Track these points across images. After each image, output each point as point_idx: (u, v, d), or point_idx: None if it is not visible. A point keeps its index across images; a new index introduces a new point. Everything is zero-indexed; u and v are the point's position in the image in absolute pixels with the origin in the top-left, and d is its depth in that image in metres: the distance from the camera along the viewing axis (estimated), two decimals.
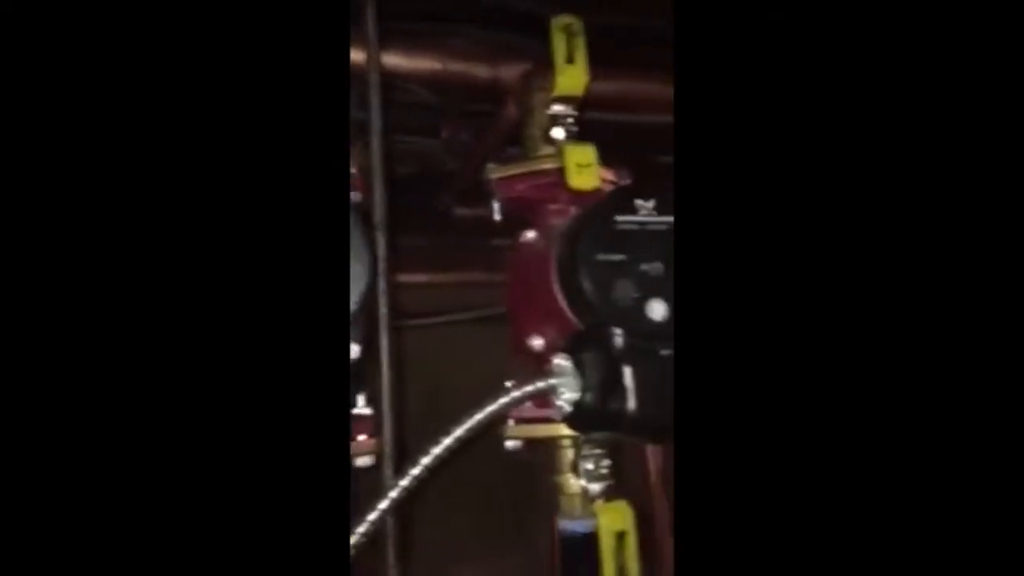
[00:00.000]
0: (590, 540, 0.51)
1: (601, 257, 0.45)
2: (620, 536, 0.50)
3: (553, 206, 0.57)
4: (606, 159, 0.63)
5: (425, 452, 0.45)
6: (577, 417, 0.47)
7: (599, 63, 0.79)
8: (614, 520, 0.50)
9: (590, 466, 0.52)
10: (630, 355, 0.44)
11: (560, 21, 0.60)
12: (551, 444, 0.54)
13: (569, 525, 0.52)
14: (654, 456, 1.02)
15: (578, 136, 0.62)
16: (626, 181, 0.79)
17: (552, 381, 0.48)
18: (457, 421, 0.46)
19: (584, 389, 0.46)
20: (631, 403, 0.44)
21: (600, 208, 0.47)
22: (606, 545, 0.50)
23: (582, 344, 0.47)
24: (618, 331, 0.45)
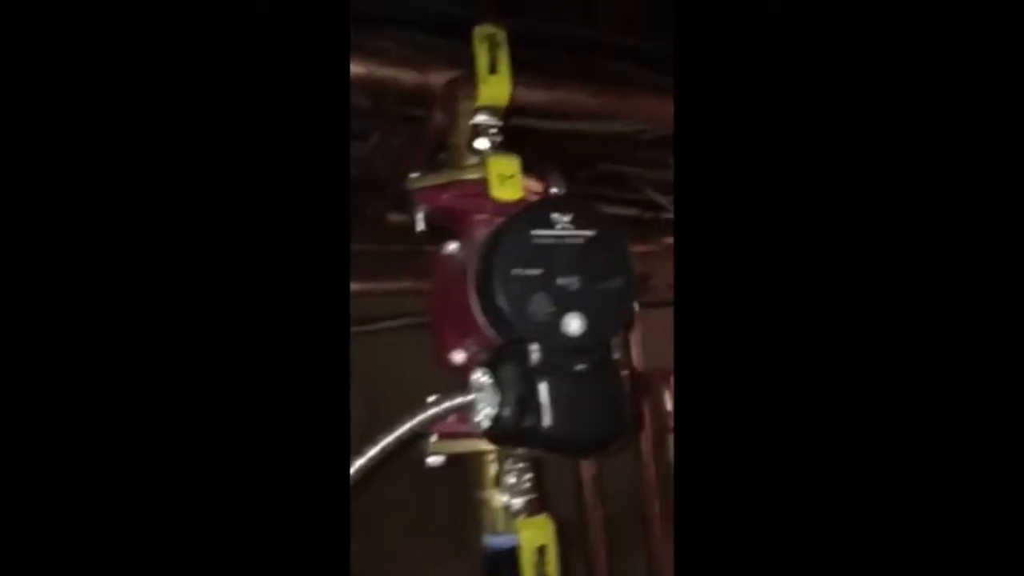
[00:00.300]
0: (513, 555, 0.50)
1: (517, 272, 0.45)
2: (541, 550, 0.50)
3: (478, 217, 0.57)
4: (542, 167, 0.63)
5: None
6: (496, 433, 0.46)
7: (534, 71, 0.79)
8: (535, 535, 0.50)
9: (512, 480, 0.52)
10: (545, 371, 0.44)
11: (483, 31, 0.59)
12: (475, 459, 0.54)
13: (493, 540, 0.52)
14: (587, 466, 1.02)
15: (513, 143, 0.61)
16: (559, 190, 0.79)
17: (470, 397, 0.47)
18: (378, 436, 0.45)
19: (501, 405, 0.45)
20: (545, 419, 0.43)
21: (516, 222, 0.46)
22: (526, 561, 0.49)
23: (499, 359, 0.46)
24: (534, 347, 0.44)
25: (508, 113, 0.62)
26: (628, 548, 1.01)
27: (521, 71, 0.67)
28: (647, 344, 1.17)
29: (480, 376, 0.47)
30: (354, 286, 1.05)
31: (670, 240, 1.18)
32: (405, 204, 0.63)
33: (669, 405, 0.91)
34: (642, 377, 0.98)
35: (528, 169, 0.60)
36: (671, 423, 0.91)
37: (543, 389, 0.44)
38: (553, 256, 0.46)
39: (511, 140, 0.62)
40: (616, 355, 0.47)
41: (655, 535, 0.94)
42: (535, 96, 0.80)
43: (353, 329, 1.08)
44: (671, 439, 0.91)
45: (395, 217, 1.01)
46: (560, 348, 0.45)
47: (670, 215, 1.18)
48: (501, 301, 0.44)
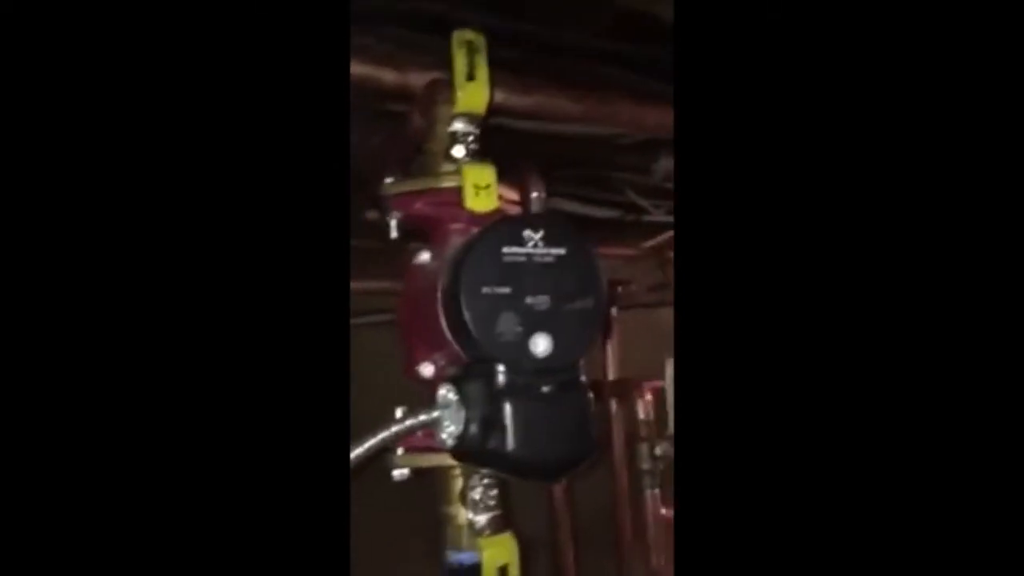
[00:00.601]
0: (474, 573, 0.50)
1: (486, 290, 0.44)
2: (504, 570, 0.50)
3: (452, 226, 0.56)
4: (521, 170, 0.61)
5: None
6: (460, 452, 0.46)
7: (516, 74, 0.77)
8: (497, 554, 0.50)
9: (477, 496, 0.51)
10: (511, 392, 0.44)
11: (461, 36, 0.58)
12: (441, 473, 0.53)
13: (455, 556, 0.52)
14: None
15: (493, 143, 0.60)
16: (539, 193, 0.78)
17: (435, 414, 0.47)
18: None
19: (466, 424, 0.45)
20: (510, 442, 0.43)
21: (487, 238, 0.45)
22: None
23: (465, 377, 0.45)
24: (500, 367, 0.44)
25: (489, 114, 0.61)
26: (599, 555, 1.01)
27: (503, 73, 0.66)
28: (625, 347, 1.17)
29: (446, 392, 0.47)
30: None
31: (649, 243, 1.18)
32: (380, 207, 0.62)
33: (641, 413, 0.91)
34: (615, 385, 0.98)
35: (506, 172, 0.59)
36: (643, 431, 0.91)
37: (508, 411, 0.43)
38: (523, 274, 0.45)
39: (491, 140, 0.61)
40: (583, 376, 0.47)
41: (626, 541, 0.95)
42: (516, 100, 0.79)
43: None
44: (643, 447, 0.91)
45: (374, 215, 1.00)
46: (527, 369, 0.44)
47: (652, 218, 1.18)
48: (468, 319, 0.44)
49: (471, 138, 0.59)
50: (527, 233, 0.46)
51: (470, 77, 0.57)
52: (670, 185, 0.99)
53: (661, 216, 1.17)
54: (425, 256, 0.56)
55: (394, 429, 0.46)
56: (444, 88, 0.60)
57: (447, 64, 0.60)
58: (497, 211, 0.55)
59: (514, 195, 0.60)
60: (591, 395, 0.47)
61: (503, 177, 0.57)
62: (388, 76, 0.76)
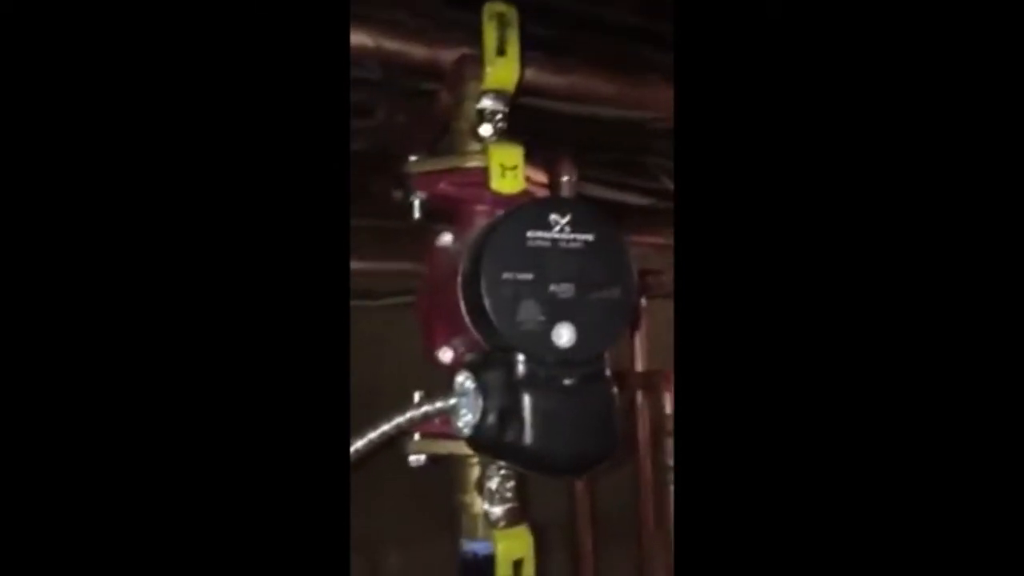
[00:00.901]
0: (488, 564, 0.49)
1: (507, 275, 0.42)
2: (518, 563, 0.48)
3: (477, 207, 0.54)
4: (553, 153, 0.59)
5: None
6: (477, 442, 0.44)
7: (548, 52, 0.75)
8: (512, 547, 0.48)
9: (494, 487, 0.50)
10: (530, 383, 0.42)
11: (492, 8, 0.55)
12: (457, 461, 0.52)
13: (470, 545, 0.50)
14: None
15: (523, 124, 0.58)
16: (571, 177, 0.75)
17: (452, 401, 0.45)
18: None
19: (484, 413, 0.43)
20: (527, 436, 0.41)
21: (510, 221, 0.43)
22: (502, 574, 0.48)
23: (484, 365, 0.44)
24: (520, 358, 0.42)
25: (519, 92, 0.59)
26: (618, 545, 1.00)
27: (535, 50, 0.63)
28: (654, 337, 1.14)
29: (464, 380, 0.45)
30: (357, 264, 1.03)
31: None
32: (404, 186, 0.60)
33: (668, 407, 0.89)
34: (642, 377, 0.96)
35: (535, 154, 0.56)
36: (669, 425, 0.89)
37: (527, 403, 0.41)
38: (547, 260, 0.43)
39: (520, 119, 0.59)
40: (608, 370, 0.45)
41: (647, 533, 0.93)
42: (548, 79, 0.76)
43: (357, 303, 1.07)
44: (668, 441, 0.89)
45: (400, 195, 0.98)
46: (548, 360, 0.42)
47: None
48: (488, 306, 0.42)
49: (499, 116, 0.57)
50: (553, 217, 0.44)
51: (500, 52, 0.55)
52: None
53: None
54: (447, 238, 0.54)
55: (409, 415, 0.45)
56: (473, 63, 0.58)
57: (479, 41, 0.58)
58: (524, 193, 0.53)
59: (543, 178, 0.58)
60: (616, 389, 0.45)
61: (532, 158, 0.55)
62: (418, 52, 0.74)
